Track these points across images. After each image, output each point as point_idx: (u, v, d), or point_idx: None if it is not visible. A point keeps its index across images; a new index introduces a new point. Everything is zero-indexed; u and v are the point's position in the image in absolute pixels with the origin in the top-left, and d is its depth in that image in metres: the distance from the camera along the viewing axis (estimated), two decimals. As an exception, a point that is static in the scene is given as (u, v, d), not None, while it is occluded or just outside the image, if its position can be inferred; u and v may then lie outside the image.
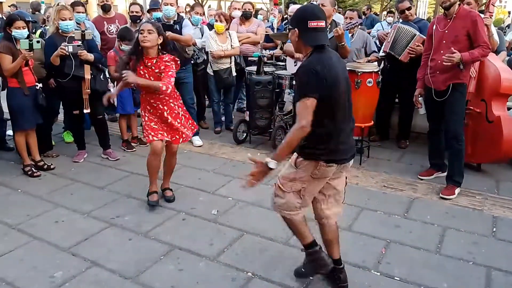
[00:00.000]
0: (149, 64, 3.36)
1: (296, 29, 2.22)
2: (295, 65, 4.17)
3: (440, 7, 3.86)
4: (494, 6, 4.28)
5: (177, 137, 3.60)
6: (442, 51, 3.71)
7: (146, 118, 3.50)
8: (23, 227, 3.26)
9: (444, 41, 3.70)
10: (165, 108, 3.48)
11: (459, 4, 3.63)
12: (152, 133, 3.45)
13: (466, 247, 3.01)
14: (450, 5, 3.63)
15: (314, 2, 7.43)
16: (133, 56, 3.36)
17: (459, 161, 3.82)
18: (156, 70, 3.36)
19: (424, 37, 4.49)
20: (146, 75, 3.37)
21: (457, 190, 3.82)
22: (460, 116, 3.78)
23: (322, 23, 2.19)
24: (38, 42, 3.90)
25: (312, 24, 2.17)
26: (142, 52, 3.33)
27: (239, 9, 6.30)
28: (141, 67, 3.37)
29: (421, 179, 4.19)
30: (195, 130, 3.90)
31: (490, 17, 4.19)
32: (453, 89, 3.68)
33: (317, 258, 2.52)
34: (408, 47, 4.66)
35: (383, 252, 2.96)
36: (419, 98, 4.09)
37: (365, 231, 3.23)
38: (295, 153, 2.41)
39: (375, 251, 2.96)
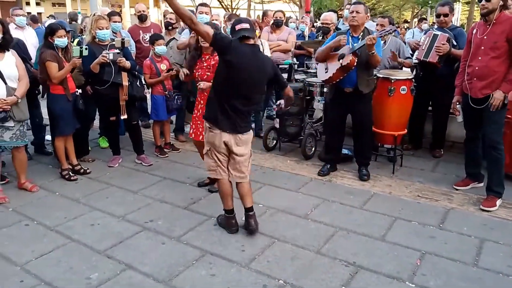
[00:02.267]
0: (203, 59, 3.84)
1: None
2: (326, 72, 4.15)
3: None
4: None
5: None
6: (480, 58, 3.62)
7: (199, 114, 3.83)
8: (61, 229, 3.36)
9: (482, 47, 3.60)
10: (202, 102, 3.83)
11: (501, 10, 3.52)
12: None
13: (506, 261, 2.90)
14: (488, 12, 3.54)
15: (347, 10, 7.43)
16: (196, 53, 3.89)
17: (498, 171, 3.69)
18: (205, 64, 3.81)
19: (447, 35, 4.48)
20: (199, 70, 3.85)
21: (498, 202, 3.69)
22: (500, 125, 3.66)
23: (245, 25, 3.04)
24: (86, 49, 4.07)
25: (237, 27, 3.05)
26: (202, 50, 3.83)
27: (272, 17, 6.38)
28: (198, 63, 3.87)
29: (457, 189, 4.08)
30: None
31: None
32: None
33: (228, 222, 3.30)
34: (434, 47, 4.55)
35: (418, 263, 2.89)
36: (457, 106, 3.98)
37: (399, 241, 3.16)
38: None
39: (409, 262, 2.89)
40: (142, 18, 5.93)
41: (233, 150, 3.11)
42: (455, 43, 4.55)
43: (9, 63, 3.71)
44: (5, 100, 3.63)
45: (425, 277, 2.72)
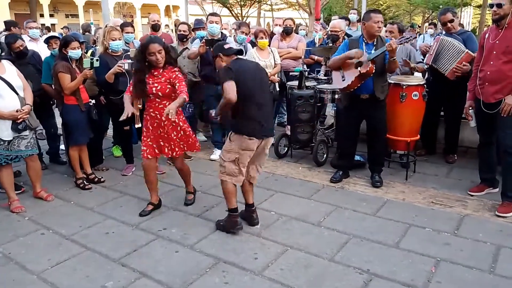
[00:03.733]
0: (156, 73, 3.58)
1: (219, 54, 3.33)
2: (343, 80, 4.15)
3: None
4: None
5: (175, 148, 3.74)
6: (491, 62, 3.59)
7: (144, 134, 3.72)
8: (76, 237, 3.40)
9: (494, 52, 3.58)
10: (163, 118, 3.60)
11: None
12: (147, 150, 3.69)
13: (524, 268, 2.86)
14: (500, 18, 3.52)
15: (353, 15, 7.43)
16: (141, 72, 3.56)
17: (513, 176, 3.65)
18: (163, 78, 3.56)
19: (474, 54, 4.32)
20: (154, 83, 3.56)
21: None
22: (514, 129, 3.62)
23: (228, 44, 3.43)
24: (97, 60, 4.14)
25: (226, 46, 3.37)
26: (150, 67, 3.57)
27: (280, 25, 6.40)
28: (150, 79, 3.58)
29: (472, 195, 4.03)
30: (195, 150, 3.98)
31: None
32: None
33: (232, 220, 3.41)
34: (455, 66, 4.49)
35: (433, 270, 2.86)
36: (470, 111, 3.95)
37: (413, 248, 3.14)
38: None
39: (424, 269, 2.87)
40: (155, 28, 6.01)
41: (266, 152, 3.46)
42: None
43: (13, 73, 3.77)
44: (22, 110, 3.72)
45: (440, 285, 2.69)
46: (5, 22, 6.68)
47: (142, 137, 3.77)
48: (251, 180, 3.52)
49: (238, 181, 3.35)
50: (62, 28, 15.69)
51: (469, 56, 4.41)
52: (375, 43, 4.07)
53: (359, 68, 3.95)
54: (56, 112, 4.88)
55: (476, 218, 3.60)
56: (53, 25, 24.06)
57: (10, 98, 3.69)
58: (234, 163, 3.29)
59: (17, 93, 3.74)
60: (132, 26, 5.70)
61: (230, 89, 3.07)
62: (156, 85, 3.56)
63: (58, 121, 4.73)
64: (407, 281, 2.74)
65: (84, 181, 4.41)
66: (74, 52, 4.13)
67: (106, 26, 5.27)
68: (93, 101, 4.39)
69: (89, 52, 5.24)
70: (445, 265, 2.91)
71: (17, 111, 3.68)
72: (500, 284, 2.69)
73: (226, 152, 3.33)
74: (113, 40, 4.42)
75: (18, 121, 3.70)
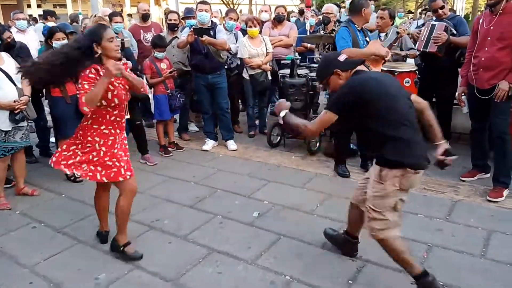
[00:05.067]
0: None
1: (335, 70, 2.45)
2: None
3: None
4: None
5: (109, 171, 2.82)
6: (486, 48, 3.58)
7: (100, 153, 2.78)
8: (68, 230, 3.38)
9: (489, 38, 3.56)
10: (118, 131, 2.86)
11: (508, 0, 3.47)
12: (125, 167, 2.83)
13: (514, 252, 2.88)
14: (495, 3, 3.49)
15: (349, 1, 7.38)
16: (87, 63, 2.61)
17: (505, 161, 3.66)
18: (122, 83, 2.79)
19: (444, 23, 4.43)
20: (119, 85, 2.76)
21: (505, 192, 3.66)
22: (507, 115, 3.62)
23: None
24: None
25: (341, 58, 2.49)
26: (101, 60, 2.66)
27: (266, 11, 6.34)
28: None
29: (464, 181, 4.05)
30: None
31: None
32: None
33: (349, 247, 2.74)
34: (432, 37, 4.51)
35: (425, 256, 2.88)
36: (463, 97, 3.95)
37: (406, 234, 3.11)
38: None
39: (416, 255, 2.87)
40: (146, 17, 5.93)
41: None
42: (454, 32, 4.50)
43: (11, 65, 3.75)
44: (20, 100, 3.71)
45: (432, 270, 2.68)
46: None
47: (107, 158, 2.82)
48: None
49: (398, 232, 2.41)
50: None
51: (442, 26, 4.44)
52: (363, 31, 4.13)
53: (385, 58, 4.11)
54: (46, 104, 4.83)
55: (467, 204, 3.62)
56: (40, 15, 23.67)
57: (8, 89, 3.69)
58: (396, 209, 2.36)
59: (15, 84, 3.73)
60: (121, 16, 5.61)
61: (322, 123, 2.40)
62: (111, 88, 2.70)
63: (48, 113, 4.67)
64: (399, 267, 2.74)
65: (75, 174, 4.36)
66: (59, 43, 4.05)
67: (94, 16, 5.20)
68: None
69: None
70: (437, 251, 2.93)
71: (14, 101, 3.68)
72: (491, 268, 2.72)
73: (379, 198, 2.35)
74: (101, 30, 4.33)
75: (16, 112, 3.70)
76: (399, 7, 29.63)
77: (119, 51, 2.75)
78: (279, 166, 4.69)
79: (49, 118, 4.86)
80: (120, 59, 2.82)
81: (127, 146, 2.96)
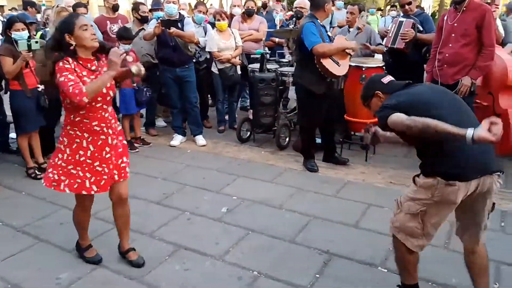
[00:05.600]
0: (93, 67, 2.49)
1: (377, 92, 2.31)
2: (339, 66, 4.08)
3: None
4: (500, -2, 4.23)
5: (123, 173, 2.70)
6: (450, 45, 3.67)
7: (81, 158, 2.50)
8: (29, 229, 3.25)
9: (453, 34, 3.65)
10: (109, 131, 2.58)
11: None
12: (89, 181, 2.54)
13: (475, 242, 2.96)
14: (461, 0, 3.57)
15: (339, 2, 7.45)
16: (61, 58, 2.38)
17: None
18: (100, 69, 2.52)
19: (411, 20, 4.54)
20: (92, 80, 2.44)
21: None
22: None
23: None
24: (36, 42, 3.87)
25: (385, 80, 2.35)
26: (75, 53, 2.42)
27: (239, 6, 6.29)
28: (82, 73, 2.41)
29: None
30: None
31: (496, 10, 4.14)
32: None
33: None
34: (400, 34, 4.61)
35: (391, 248, 2.89)
36: None
37: (373, 227, 3.19)
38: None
39: (382, 248, 2.92)
40: (116, 8, 5.74)
41: (486, 202, 2.10)
42: (421, 29, 4.60)
43: None
44: None
45: (391, 261, 2.75)
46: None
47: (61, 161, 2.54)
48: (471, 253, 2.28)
49: (416, 248, 2.22)
50: (10, 10, 14.85)
51: (409, 23, 4.54)
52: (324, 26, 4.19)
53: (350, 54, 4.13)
54: (6, 98, 4.62)
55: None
56: (1, 6, 22.68)
57: None
58: (415, 218, 2.15)
59: None
60: (86, 7, 5.44)
61: (396, 120, 2.03)
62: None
63: (8, 108, 4.46)
64: (366, 259, 2.79)
65: (36, 171, 4.21)
66: (18, 34, 3.87)
67: (57, 7, 5.01)
68: (42, 86, 4.15)
69: (38, 34, 4.96)
70: (403, 243, 2.98)
71: None
72: (454, 259, 2.77)
73: (408, 199, 2.19)
74: (63, 21, 4.17)
75: None
76: (369, 4, 30.09)
77: (96, 39, 2.46)
78: (248, 161, 4.66)
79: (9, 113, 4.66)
80: (104, 49, 2.56)
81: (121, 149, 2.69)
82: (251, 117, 5.23)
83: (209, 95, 6.24)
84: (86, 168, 2.51)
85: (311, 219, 3.33)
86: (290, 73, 4.97)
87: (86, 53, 2.46)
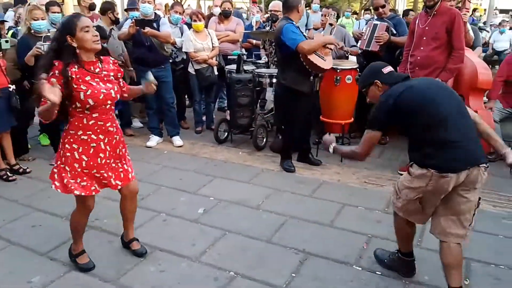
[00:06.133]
0: (97, 69, 2.45)
1: (376, 81, 2.46)
2: (324, 60, 4.09)
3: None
4: (470, 2, 4.36)
5: (130, 170, 2.75)
6: (422, 48, 3.76)
7: (85, 164, 2.47)
8: (0, 232, 3.16)
9: (424, 38, 3.74)
10: (116, 130, 2.59)
11: (441, 1, 3.66)
12: (113, 178, 2.59)
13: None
14: (434, 4, 3.67)
15: (315, 5, 7.50)
16: (63, 61, 2.33)
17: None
18: (111, 74, 2.53)
19: (386, 23, 4.66)
20: (101, 83, 2.44)
21: None
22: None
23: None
24: (6, 41, 3.78)
25: (386, 70, 2.49)
26: (77, 56, 2.38)
27: (218, 5, 6.29)
28: (86, 78, 2.38)
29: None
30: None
31: (466, 14, 4.27)
32: None
33: (405, 266, 2.64)
34: (374, 37, 4.72)
35: (365, 247, 2.97)
36: None
37: (347, 226, 3.24)
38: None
39: (356, 246, 2.97)
40: (92, 7, 5.64)
41: (466, 195, 2.24)
42: (394, 32, 4.71)
43: None
44: None
45: (371, 259, 2.81)
46: None
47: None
48: (445, 237, 2.36)
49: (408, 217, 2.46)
50: (-18, 8, 14.38)
51: (383, 26, 4.65)
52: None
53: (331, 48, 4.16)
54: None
55: (405, 196, 3.78)
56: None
57: None
58: (406, 201, 2.38)
59: None
60: (59, 6, 5.31)
61: (368, 145, 2.41)
62: (103, 85, 2.44)
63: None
64: (341, 258, 2.83)
65: (8, 172, 4.11)
66: (-11, 32, 3.78)
67: (28, 5, 4.89)
68: (13, 86, 4.04)
69: (10, 33, 4.84)
70: (376, 241, 3.04)
71: None
72: (426, 256, 2.85)
73: (404, 187, 2.36)
74: (35, 20, 4.10)
75: None
76: (344, 7, 30.52)
77: (99, 41, 2.40)
78: (225, 162, 4.66)
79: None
80: (105, 52, 2.55)
81: (123, 151, 2.67)
82: (228, 117, 5.23)
83: (186, 96, 6.21)
84: (107, 168, 2.55)
85: (288, 219, 3.36)
86: (267, 74, 5.00)
87: (89, 55, 2.41)
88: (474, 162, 2.16)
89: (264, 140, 5.10)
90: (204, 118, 5.84)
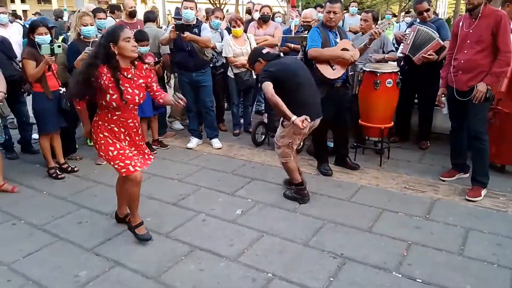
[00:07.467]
0: (129, 75, 2.85)
1: (259, 59, 3.65)
2: (333, 70, 4.13)
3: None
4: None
5: (147, 158, 3.15)
6: (465, 51, 3.66)
7: (119, 146, 2.93)
8: (48, 227, 3.34)
9: (468, 41, 3.64)
10: (136, 124, 3.02)
11: (486, 4, 3.55)
12: (131, 162, 2.94)
13: (490, 249, 2.95)
14: (473, 8, 3.56)
15: (353, 8, 7.43)
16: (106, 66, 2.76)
17: (482, 161, 3.74)
18: (141, 80, 2.90)
19: (442, 43, 4.53)
20: (129, 89, 2.83)
21: (483, 192, 3.74)
22: (483, 116, 3.71)
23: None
24: (59, 46, 3.98)
25: (264, 51, 3.69)
26: (118, 63, 2.78)
27: (257, 10, 6.36)
28: (123, 82, 2.80)
29: (443, 180, 4.13)
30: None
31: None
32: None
33: (301, 193, 3.72)
34: (421, 53, 4.66)
35: (405, 253, 2.92)
36: (442, 98, 4.03)
37: (386, 232, 3.20)
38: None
39: (396, 252, 2.93)
40: (133, 14, 5.86)
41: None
42: (442, 43, 4.62)
43: None
44: None
45: (411, 267, 2.76)
46: None
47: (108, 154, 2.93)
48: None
49: (291, 161, 3.69)
50: (33, 14, 15.21)
51: (437, 44, 4.56)
52: (337, 32, 4.19)
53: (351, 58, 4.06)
54: (29, 100, 4.75)
55: (446, 202, 3.69)
56: (24, 11, 23.23)
57: None
58: (287, 147, 3.61)
59: None
60: (105, 12, 5.55)
61: (266, 88, 3.38)
62: (130, 90, 2.83)
63: (30, 109, 4.59)
64: (379, 264, 2.80)
65: (57, 171, 4.32)
66: (41, 38, 3.99)
67: (78, 11, 5.14)
68: (64, 89, 4.26)
69: (60, 38, 5.09)
70: (416, 248, 2.98)
71: None
72: (469, 265, 2.78)
73: (281, 137, 3.62)
74: (84, 26, 4.31)
75: None
76: (383, 10, 30.00)
77: (136, 50, 2.83)
78: (263, 164, 4.70)
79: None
80: (142, 60, 3.04)
81: (140, 143, 3.09)
82: (266, 120, 5.28)
83: (224, 99, 6.32)
84: (130, 154, 2.98)
85: (325, 223, 3.35)
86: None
87: (125, 62, 2.83)
88: (318, 115, 3.62)
89: (302, 143, 5.10)
90: (242, 121, 5.92)
